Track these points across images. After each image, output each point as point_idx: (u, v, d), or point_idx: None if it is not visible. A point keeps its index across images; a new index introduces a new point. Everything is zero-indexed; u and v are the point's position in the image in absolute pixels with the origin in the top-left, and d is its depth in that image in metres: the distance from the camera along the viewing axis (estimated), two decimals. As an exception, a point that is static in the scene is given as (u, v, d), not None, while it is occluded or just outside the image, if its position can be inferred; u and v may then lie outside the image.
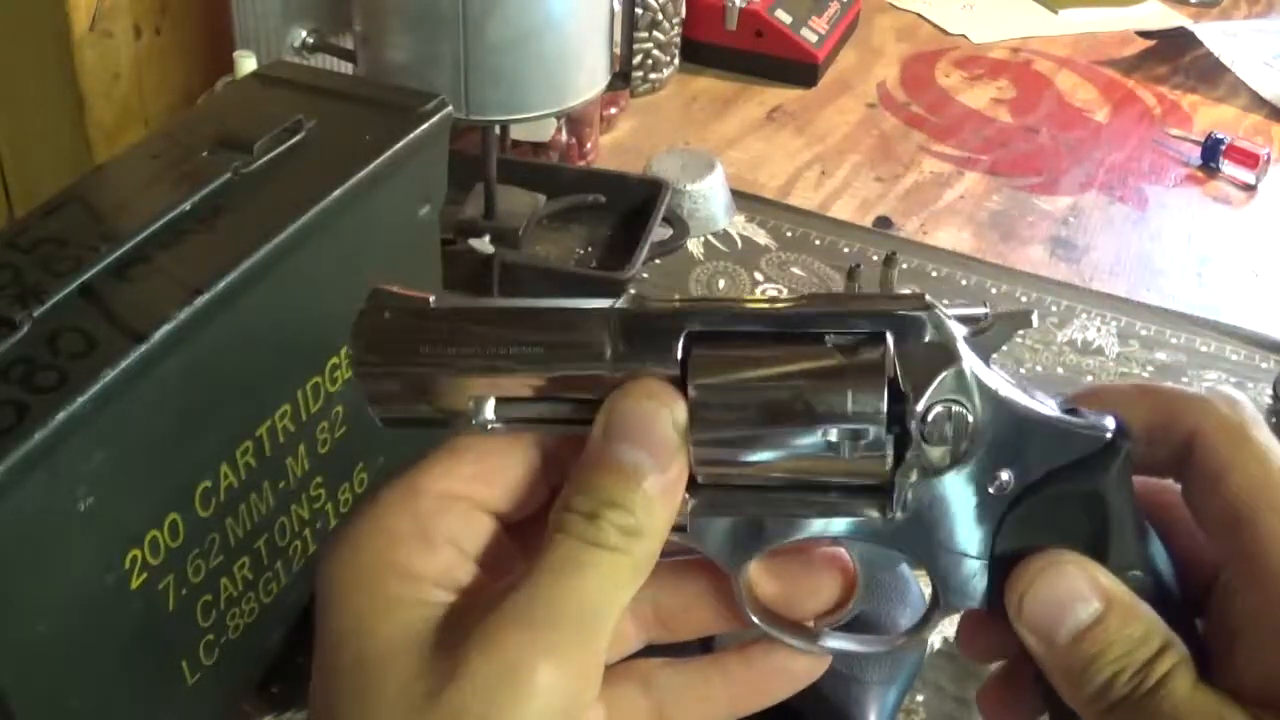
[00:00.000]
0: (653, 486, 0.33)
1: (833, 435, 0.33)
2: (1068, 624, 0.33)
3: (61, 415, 0.44)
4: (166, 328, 0.48)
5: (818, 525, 0.35)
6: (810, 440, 0.33)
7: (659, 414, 0.33)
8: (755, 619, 0.36)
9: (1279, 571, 0.32)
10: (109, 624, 0.50)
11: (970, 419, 0.33)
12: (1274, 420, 0.84)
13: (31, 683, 0.47)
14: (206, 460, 0.53)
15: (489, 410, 0.35)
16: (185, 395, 0.50)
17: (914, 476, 0.34)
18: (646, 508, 0.33)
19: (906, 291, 0.35)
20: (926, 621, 0.36)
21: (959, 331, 0.34)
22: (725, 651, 0.37)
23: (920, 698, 0.65)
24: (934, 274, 0.97)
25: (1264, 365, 0.89)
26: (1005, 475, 0.34)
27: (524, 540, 0.36)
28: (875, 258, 0.96)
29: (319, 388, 0.59)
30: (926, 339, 0.33)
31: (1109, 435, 0.34)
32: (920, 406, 0.33)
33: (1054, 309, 0.94)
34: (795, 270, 0.97)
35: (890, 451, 0.33)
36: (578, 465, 0.34)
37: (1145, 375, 0.87)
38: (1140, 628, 0.33)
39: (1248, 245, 1.05)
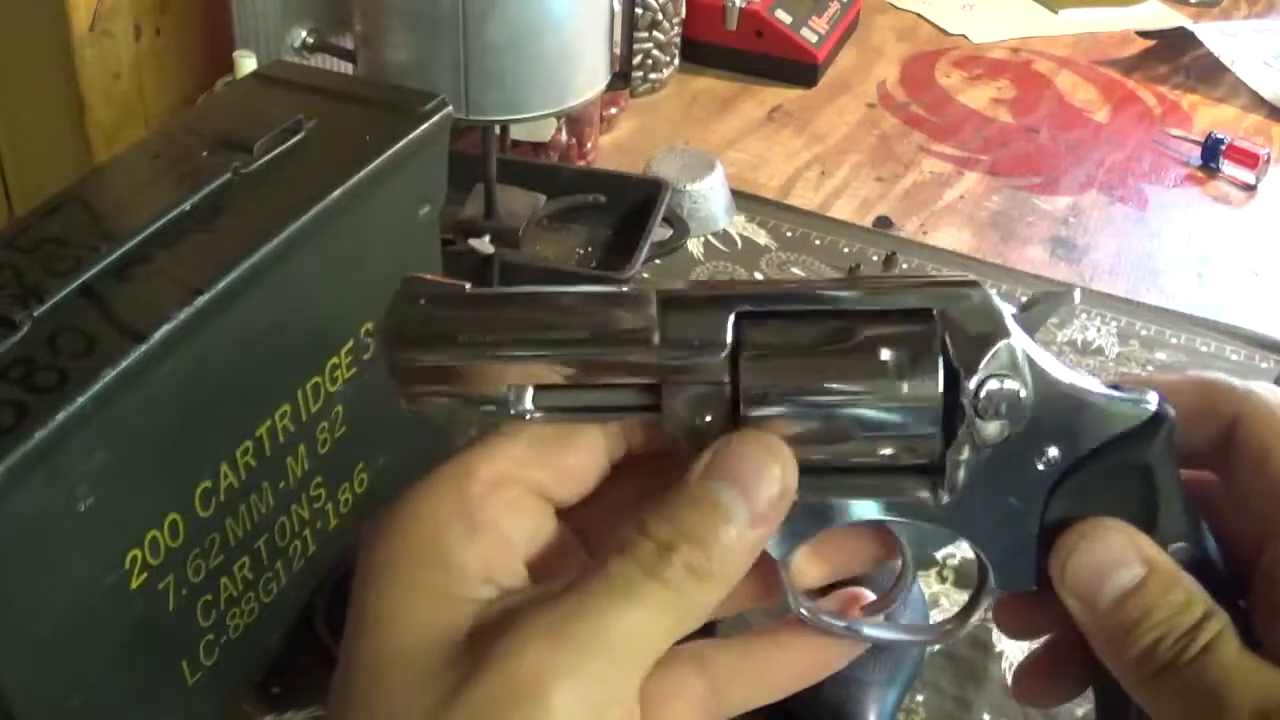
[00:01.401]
0: (738, 536, 0.31)
1: (887, 415, 0.33)
2: (1110, 588, 0.33)
3: (61, 415, 0.44)
4: (166, 328, 0.48)
5: (867, 507, 0.35)
6: (864, 421, 0.33)
7: (772, 469, 0.32)
8: (801, 610, 0.35)
9: None
10: (109, 624, 0.50)
11: (1021, 394, 0.33)
12: (1274, 420, 0.84)
13: (31, 683, 0.47)
14: (206, 460, 0.53)
15: (528, 399, 0.34)
16: (185, 395, 0.50)
17: (965, 454, 0.33)
18: (724, 555, 0.31)
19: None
20: (975, 604, 0.36)
21: (1006, 309, 0.34)
22: (777, 626, 0.36)
23: (920, 698, 0.65)
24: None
25: (1264, 365, 0.89)
26: (1053, 451, 0.34)
27: (579, 526, 0.35)
28: (875, 258, 0.96)
29: (319, 388, 0.59)
30: (975, 315, 0.33)
31: (1153, 409, 0.34)
32: (973, 383, 0.33)
33: (1056, 313, 0.94)
34: (795, 270, 0.97)
35: (941, 430, 0.33)
36: (665, 493, 0.32)
37: (1145, 375, 0.87)
38: (1182, 595, 0.32)
39: (1248, 245, 1.05)
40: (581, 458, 0.34)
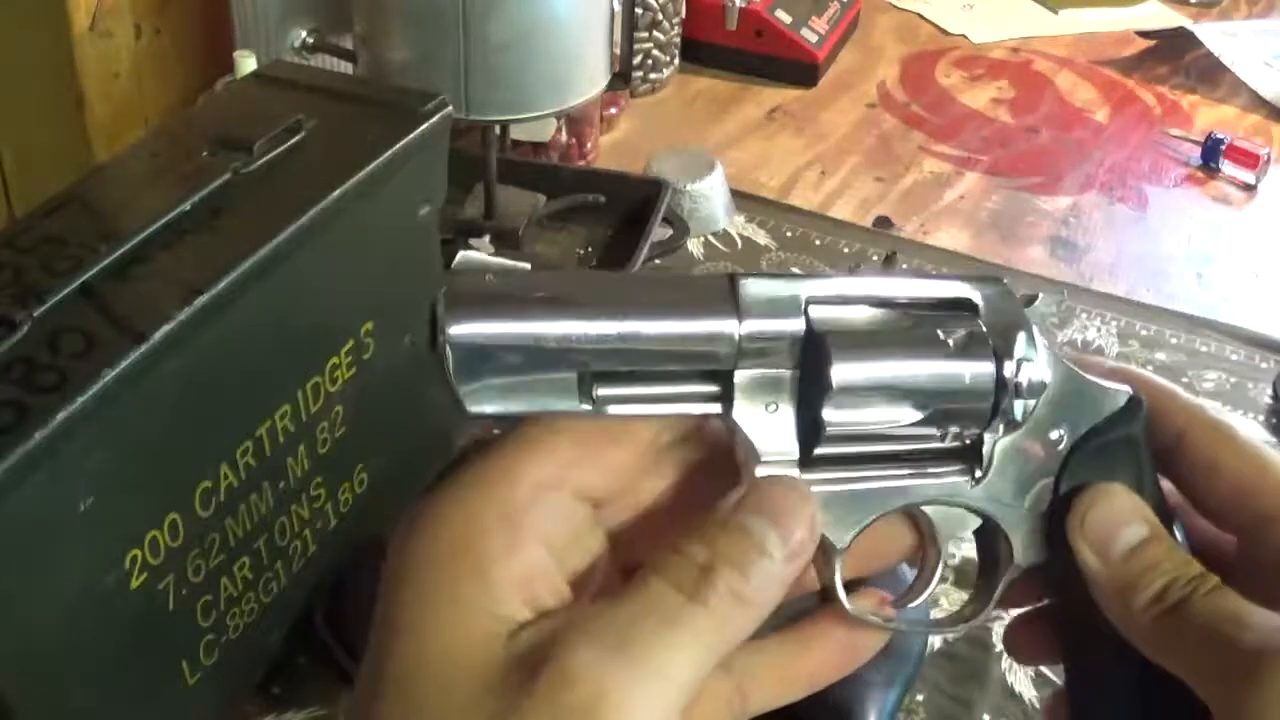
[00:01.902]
0: (773, 569, 0.32)
1: (946, 399, 0.34)
2: (1123, 539, 0.35)
3: (61, 415, 0.44)
4: (166, 328, 0.48)
5: (912, 492, 0.36)
6: (926, 405, 0.34)
7: (803, 510, 0.33)
8: (850, 604, 0.35)
9: None
10: (109, 624, 0.50)
11: (1043, 377, 0.35)
12: (1275, 420, 0.84)
13: (31, 683, 0.47)
14: (206, 460, 0.53)
15: (596, 389, 0.32)
16: (185, 395, 0.50)
17: (1000, 434, 0.36)
18: (762, 581, 0.31)
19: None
20: (997, 584, 0.37)
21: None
22: (801, 625, 0.36)
23: (920, 697, 0.65)
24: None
25: (1264, 365, 0.89)
26: (1059, 431, 0.36)
27: (610, 520, 0.34)
28: (875, 258, 0.96)
29: (319, 388, 0.59)
30: (1001, 304, 0.35)
31: (1130, 392, 0.37)
32: (1011, 366, 0.34)
33: (1054, 309, 0.94)
34: (795, 270, 0.97)
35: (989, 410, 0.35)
36: (699, 519, 0.32)
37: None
38: (1183, 552, 0.35)
39: (1248, 245, 1.05)
40: (624, 456, 0.34)
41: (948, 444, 0.35)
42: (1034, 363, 0.35)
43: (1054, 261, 1.01)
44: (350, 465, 0.64)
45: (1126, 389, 0.37)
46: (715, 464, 0.35)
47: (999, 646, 0.67)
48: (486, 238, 0.90)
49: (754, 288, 0.33)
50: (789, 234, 1.01)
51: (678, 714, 0.30)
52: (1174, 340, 0.91)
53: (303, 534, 0.61)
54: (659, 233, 0.95)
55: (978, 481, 0.36)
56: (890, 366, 0.34)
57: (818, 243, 1.00)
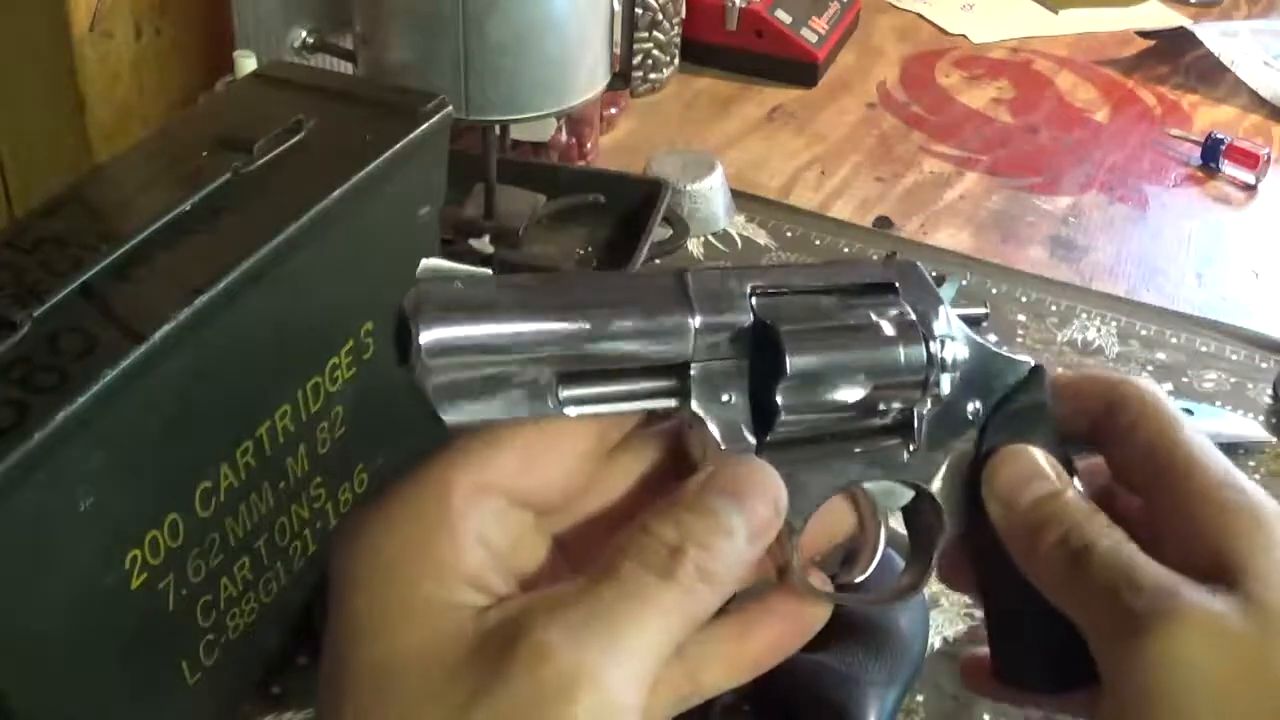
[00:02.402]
0: (739, 548, 0.33)
1: (885, 378, 0.36)
2: (1029, 492, 0.38)
3: (61, 415, 0.44)
4: (166, 328, 0.48)
5: (857, 470, 0.37)
6: (869, 385, 0.36)
7: (767, 490, 0.34)
8: (808, 581, 0.37)
9: (1197, 489, 0.37)
10: (109, 624, 0.50)
11: (963, 353, 0.38)
12: (1275, 420, 0.84)
13: (31, 683, 0.47)
14: (206, 460, 0.53)
15: (560, 390, 0.32)
16: (185, 395, 0.50)
17: (929, 408, 0.37)
18: (727, 559, 0.32)
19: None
20: (933, 553, 0.39)
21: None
22: (747, 608, 0.37)
23: (920, 698, 0.65)
24: (934, 274, 0.97)
25: (1264, 365, 0.89)
26: (975, 403, 0.39)
27: (555, 527, 0.35)
28: (875, 257, 0.96)
29: (319, 388, 0.59)
30: (919, 286, 0.38)
31: (1031, 361, 0.40)
32: (936, 343, 0.37)
33: (1054, 309, 0.94)
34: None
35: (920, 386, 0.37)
36: (665, 502, 0.33)
37: (1145, 375, 0.87)
38: (1088, 505, 0.38)
39: (1248, 245, 1.05)
40: (564, 465, 0.34)
41: (886, 421, 0.37)
42: (955, 340, 0.37)
43: (1054, 261, 1.01)
44: (350, 465, 0.64)
45: (1029, 359, 0.40)
46: (661, 472, 0.36)
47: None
48: (486, 238, 0.90)
49: (703, 281, 0.34)
50: (789, 234, 1.01)
51: (647, 688, 0.31)
52: (1174, 340, 0.91)
53: (303, 534, 0.61)
54: (659, 233, 0.95)
55: (912, 455, 0.38)
56: (838, 352, 0.35)
57: (818, 243, 1.00)
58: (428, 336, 0.30)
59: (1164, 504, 0.37)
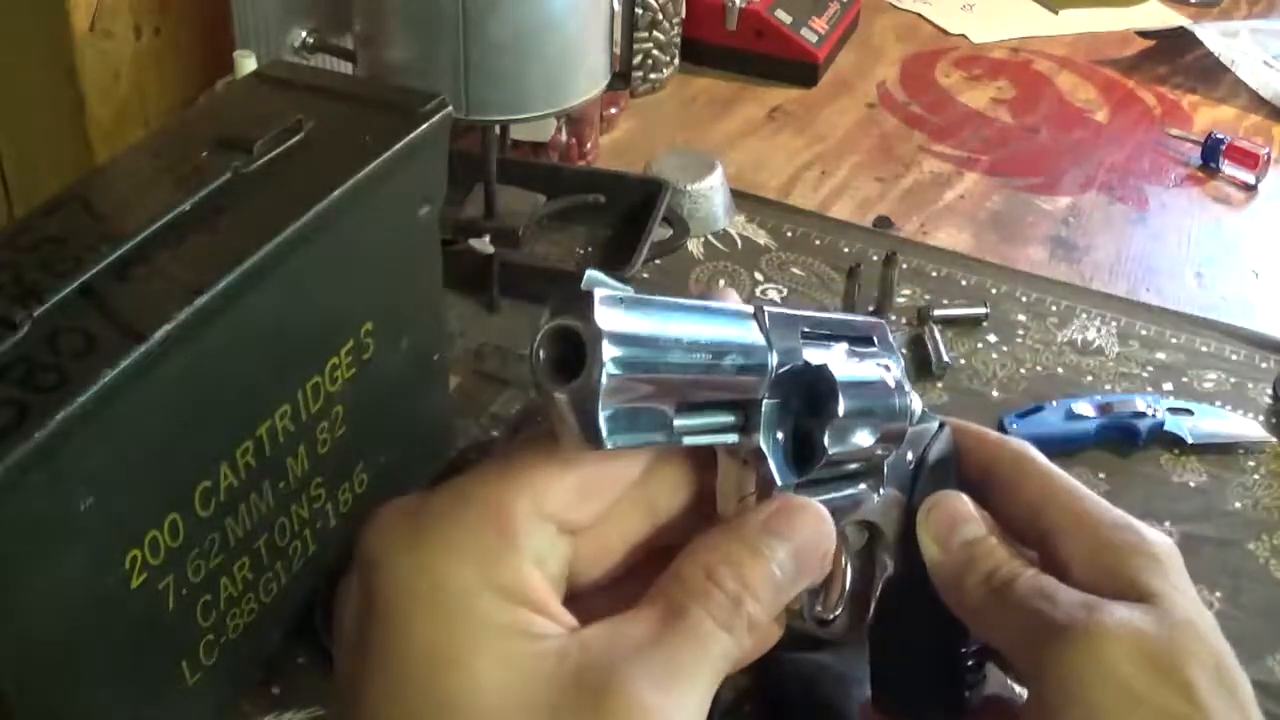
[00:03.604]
0: (785, 591, 0.35)
1: (897, 426, 0.40)
2: (960, 534, 0.42)
3: (61, 415, 0.44)
4: (166, 328, 0.48)
5: (844, 510, 0.39)
6: (884, 431, 0.39)
7: (823, 534, 0.36)
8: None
9: (1100, 537, 0.41)
10: (109, 624, 0.50)
11: (919, 405, 0.42)
12: (1275, 420, 0.84)
13: (31, 683, 0.47)
14: (206, 460, 0.53)
15: (677, 420, 0.32)
16: (185, 395, 0.50)
17: (891, 459, 0.41)
18: (769, 608, 0.34)
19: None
20: (874, 592, 0.42)
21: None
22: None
23: (920, 698, 0.64)
24: (934, 274, 0.97)
25: (1264, 365, 0.89)
26: (909, 453, 0.43)
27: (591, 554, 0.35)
28: (875, 258, 0.96)
29: (319, 388, 0.59)
30: (887, 342, 0.42)
31: (940, 419, 0.45)
32: (914, 397, 0.41)
33: (1054, 309, 0.94)
34: (795, 270, 0.97)
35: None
36: (723, 534, 0.34)
37: (1145, 375, 0.87)
38: (1009, 549, 0.42)
39: (1248, 245, 1.05)
40: (613, 496, 0.34)
41: (867, 467, 0.40)
42: (913, 394, 0.41)
43: (1054, 261, 1.01)
44: (350, 465, 0.64)
45: (938, 417, 0.44)
46: (668, 503, 0.37)
47: (999, 646, 0.67)
48: (486, 238, 0.90)
49: (773, 320, 0.35)
50: (789, 234, 1.01)
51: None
52: (1174, 340, 0.91)
53: (303, 534, 0.61)
54: (659, 233, 0.95)
55: (881, 498, 0.41)
56: (870, 399, 0.38)
57: (818, 243, 1.00)
58: (614, 352, 0.29)
59: (1064, 550, 0.41)
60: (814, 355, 0.36)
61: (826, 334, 0.38)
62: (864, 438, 0.37)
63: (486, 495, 0.32)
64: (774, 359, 0.34)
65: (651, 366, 0.30)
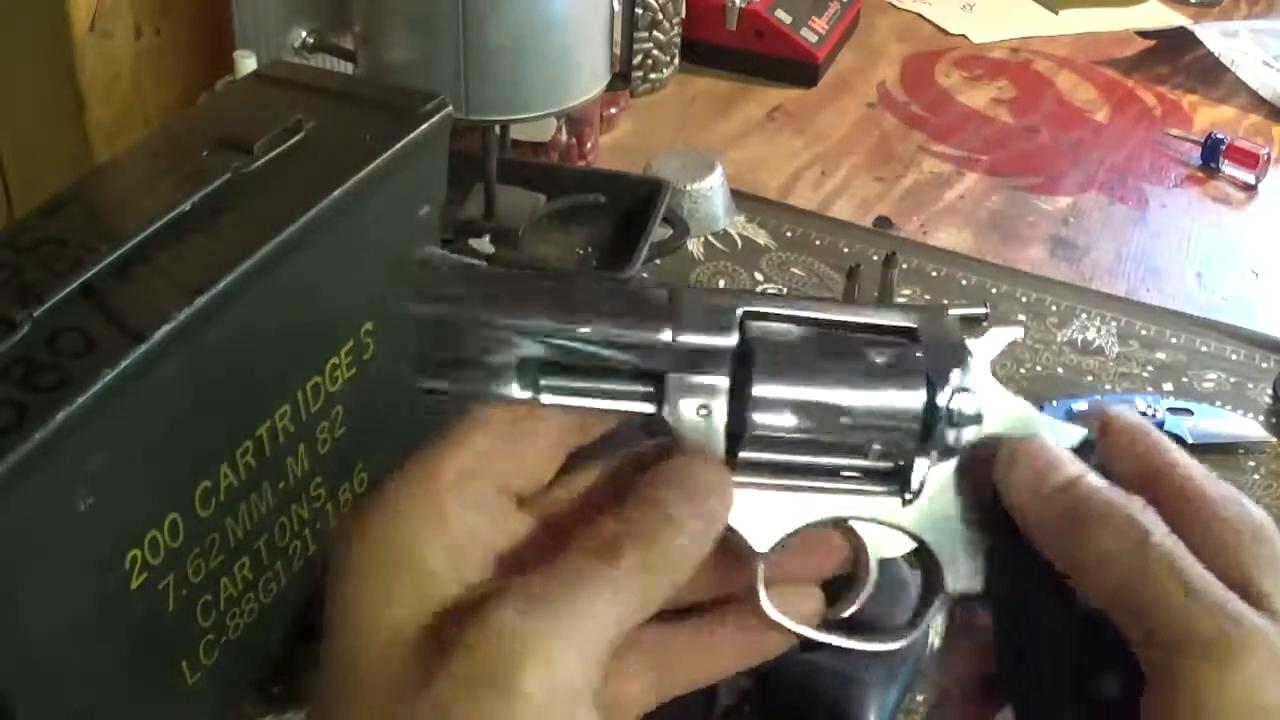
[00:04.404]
0: (683, 538, 0.33)
1: (872, 419, 0.35)
2: (1058, 474, 0.35)
3: (61, 415, 0.44)
4: (166, 328, 0.48)
5: (839, 506, 0.37)
6: (851, 423, 0.35)
7: (715, 476, 0.35)
8: (768, 607, 0.36)
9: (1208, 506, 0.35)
10: (109, 624, 0.50)
11: (977, 409, 0.36)
12: (1275, 420, 0.84)
13: (31, 683, 0.47)
14: (206, 460, 0.53)
15: (534, 380, 0.34)
16: (185, 395, 0.50)
17: (932, 460, 0.36)
18: (670, 552, 0.33)
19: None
20: (926, 607, 0.37)
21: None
22: (722, 609, 0.37)
23: (920, 698, 0.64)
24: (934, 274, 0.97)
25: (1264, 365, 0.89)
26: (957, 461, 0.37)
27: (538, 515, 0.36)
28: (875, 258, 0.95)
29: (319, 388, 0.59)
30: (946, 336, 0.37)
31: (1086, 433, 0.38)
32: (945, 395, 0.36)
33: (1054, 309, 0.94)
34: (795, 270, 0.97)
35: (917, 437, 0.36)
36: (618, 502, 0.34)
37: (1145, 375, 0.87)
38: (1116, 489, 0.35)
39: (1248, 245, 1.05)
40: (538, 451, 0.36)
41: (878, 464, 0.36)
42: (970, 394, 0.36)
43: (1054, 261, 1.01)
44: (350, 465, 0.64)
45: (1083, 430, 0.38)
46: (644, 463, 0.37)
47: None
48: (486, 238, 0.90)
49: (693, 298, 0.35)
50: (789, 234, 1.01)
51: (596, 667, 0.31)
52: (1174, 340, 0.91)
53: (303, 534, 0.61)
54: (659, 233, 0.95)
55: (907, 504, 0.37)
56: (812, 380, 0.35)
57: (818, 243, 1.00)
58: (409, 318, 0.33)
59: (1175, 516, 0.35)
60: (764, 334, 0.36)
61: (812, 319, 0.36)
62: (824, 428, 0.35)
63: (418, 461, 0.35)
64: (668, 334, 0.34)
65: (458, 318, 0.34)
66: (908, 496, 0.37)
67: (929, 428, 0.36)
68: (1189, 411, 0.81)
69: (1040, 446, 0.36)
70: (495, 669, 0.30)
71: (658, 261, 0.96)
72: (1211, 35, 1.31)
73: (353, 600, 0.33)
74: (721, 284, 0.95)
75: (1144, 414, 0.80)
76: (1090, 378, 0.87)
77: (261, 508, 0.57)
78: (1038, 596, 0.36)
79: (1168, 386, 0.86)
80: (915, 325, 0.37)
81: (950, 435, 0.36)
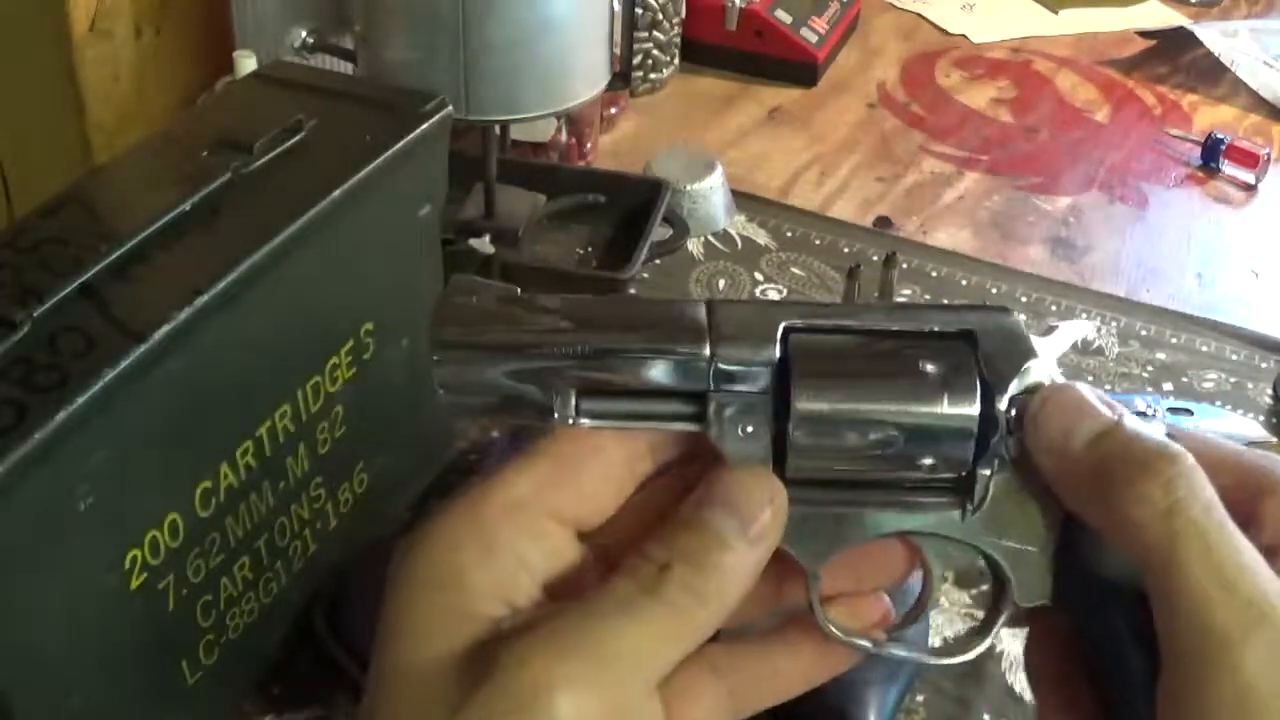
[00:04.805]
0: (734, 559, 0.33)
1: (925, 430, 0.34)
2: (1088, 426, 0.33)
3: (61, 415, 0.44)
4: (166, 328, 0.48)
5: (895, 521, 0.35)
6: (903, 435, 0.34)
7: (763, 494, 0.34)
8: (829, 627, 0.35)
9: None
10: (109, 624, 0.50)
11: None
12: (1275, 420, 0.84)
13: (31, 683, 0.47)
14: (206, 460, 0.53)
15: (574, 404, 0.34)
16: (185, 395, 0.50)
17: (993, 469, 0.35)
18: (720, 576, 0.33)
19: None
20: (994, 619, 0.36)
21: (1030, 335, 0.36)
22: (784, 627, 0.37)
23: (920, 698, 0.65)
24: (934, 274, 0.97)
25: (1264, 365, 0.89)
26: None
27: (606, 546, 0.35)
28: (875, 258, 0.96)
29: (319, 388, 0.59)
30: (1005, 338, 0.35)
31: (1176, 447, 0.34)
32: (1004, 401, 0.34)
33: (1054, 309, 0.94)
34: (795, 270, 0.97)
35: (974, 446, 0.34)
36: (664, 522, 0.34)
37: (1145, 375, 0.87)
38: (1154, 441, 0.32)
39: (1248, 245, 1.05)
40: (600, 481, 0.35)
41: (934, 476, 0.35)
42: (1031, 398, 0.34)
43: (1054, 261, 1.01)
44: (350, 465, 0.64)
45: (1170, 445, 0.34)
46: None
47: (1000, 647, 0.67)
48: (486, 238, 0.90)
49: (730, 313, 0.34)
50: (789, 234, 1.01)
51: (641, 696, 0.31)
52: (1174, 340, 0.91)
53: (303, 534, 0.61)
54: (659, 233, 0.95)
55: (968, 516, 0.35)
56: (858, 394, 0.34)
57: (818, 243, 1.00)
58: (438, 352, 0.33)
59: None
60: (808, 347, 0.34)
61: (858, 328, 0.35)
62: (873, 442, 0.34)
63: (467, 494, 0.34)
64: (707, 351, 0.34)
65: (482, 343, 0.34)
66: (969, 508, 0.35)
67: (985, 437, 0.34)
68: (1189, 411, 0.81)
69: (1071, 395, 0.33)
70: (524, 699, 0.30)
71: (658, 261, 0.96)
72: (1211, 35, 1.31)
73: (397, 626, 0.33)
74: (722, 284, 0.95)
75: (1144, 414, 0.80)
76: (1090, 378, 0.87)
77: (261, 508, 0.57)
78: (1109, 604, 0.34)
79: (1168, 386, 0.86)
80: (974, 329, 0.35)
81: (1009, 443, 0.34)
